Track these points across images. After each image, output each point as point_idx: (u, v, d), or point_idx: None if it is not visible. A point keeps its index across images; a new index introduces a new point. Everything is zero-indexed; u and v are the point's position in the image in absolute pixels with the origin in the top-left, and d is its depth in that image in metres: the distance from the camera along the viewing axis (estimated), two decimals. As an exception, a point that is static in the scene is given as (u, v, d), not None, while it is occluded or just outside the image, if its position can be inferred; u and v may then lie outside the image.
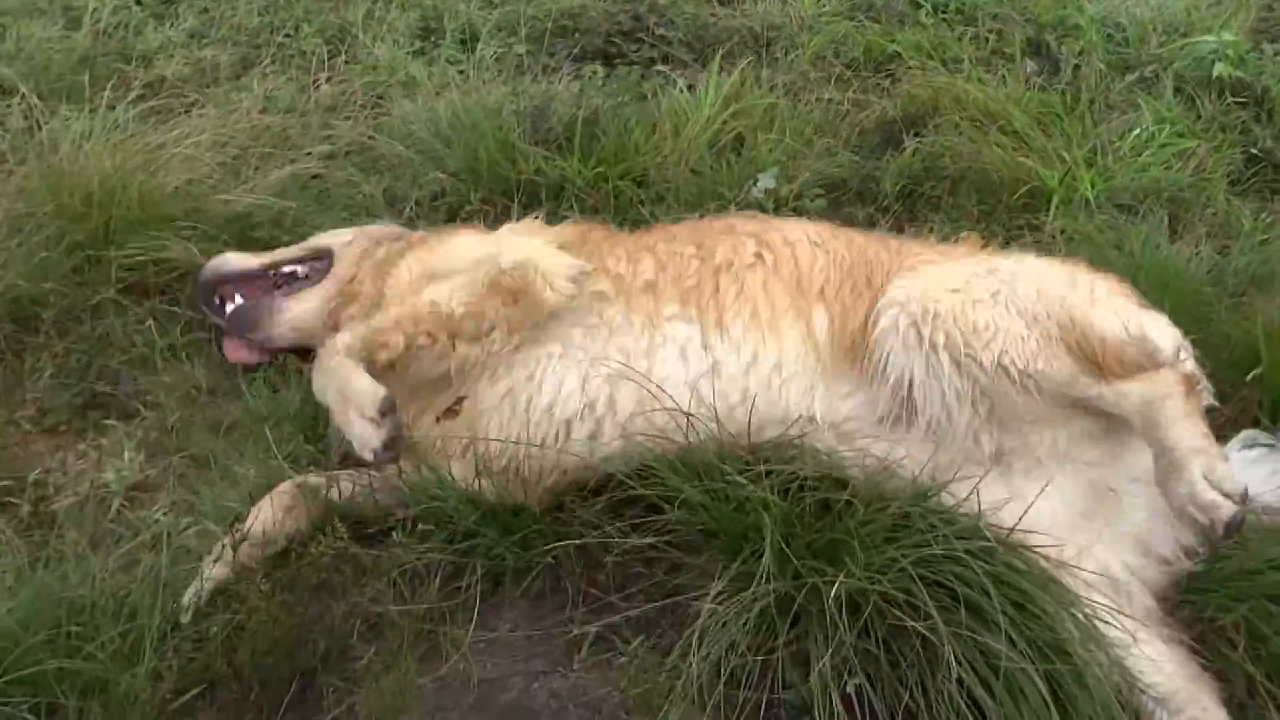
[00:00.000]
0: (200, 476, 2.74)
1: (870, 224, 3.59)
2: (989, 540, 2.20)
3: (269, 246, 3.31)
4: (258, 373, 3.03)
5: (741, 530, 2.31)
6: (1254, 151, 3.97)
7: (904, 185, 3.79)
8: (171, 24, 4.84)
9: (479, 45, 4.61)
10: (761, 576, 2.20)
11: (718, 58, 4.34)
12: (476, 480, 2.53)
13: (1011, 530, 2.25)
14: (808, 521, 2.29)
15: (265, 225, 3.41)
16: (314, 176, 3.74)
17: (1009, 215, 3.64)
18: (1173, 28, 4.64)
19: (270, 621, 2.30)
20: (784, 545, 2.24)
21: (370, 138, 4.01)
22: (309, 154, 3.80)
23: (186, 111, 4.05)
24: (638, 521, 2.44)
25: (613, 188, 3.69)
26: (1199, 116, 4.13)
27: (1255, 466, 2.55)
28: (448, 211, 3.66)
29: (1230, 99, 4.20)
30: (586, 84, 4.31)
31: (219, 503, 2.59)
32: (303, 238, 3.31)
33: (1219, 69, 4.24)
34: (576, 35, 4.75)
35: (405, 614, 2.37)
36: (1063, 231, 3.51)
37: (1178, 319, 2.61)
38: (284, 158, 3.75)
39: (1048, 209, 3.63)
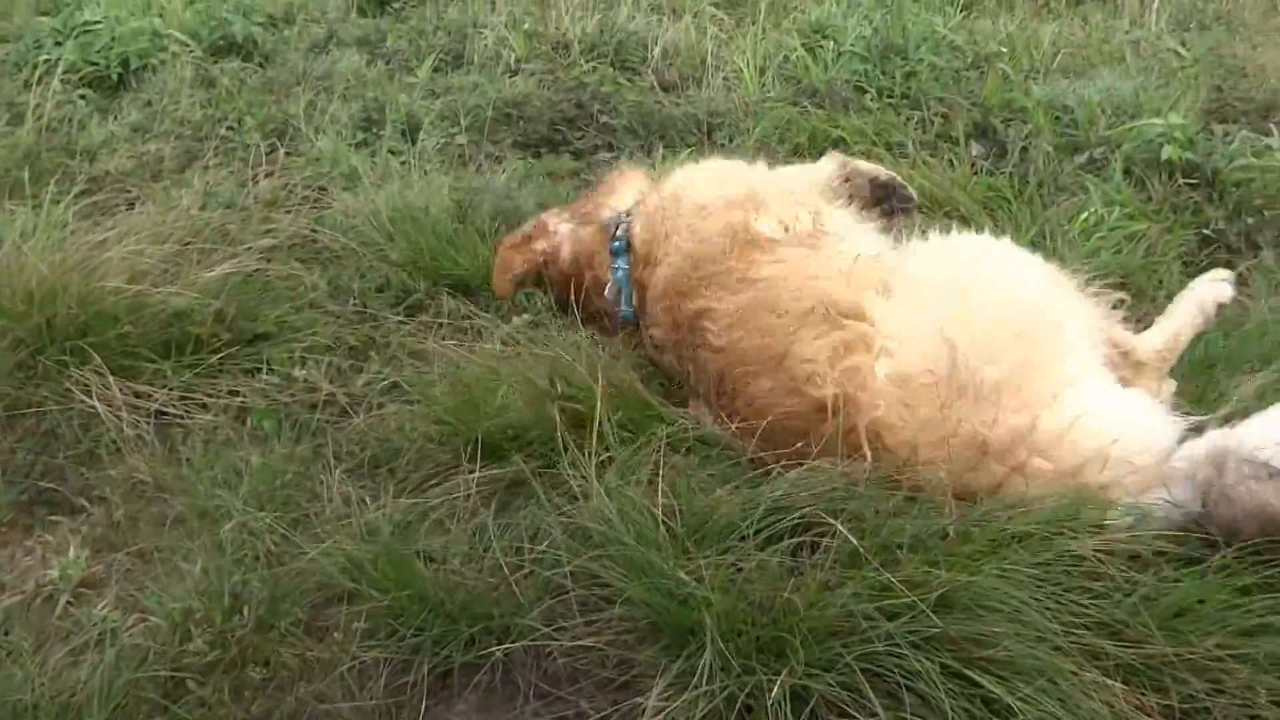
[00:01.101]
0: (147, 572, 2.90)
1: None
2: (938, 626, 2.34)
3: (210, 343, 3.51)
4: (202, 468, 3.18)
5: (685, 627, 2.48)
6: (1206, 232, 4.12)
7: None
8: (115, 118, 5.11)
9: (420, 135, 4.87)
10: (704, 674, 2.36)
11: (661, 145, 4.64)
12: None
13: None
14: (752, 618, 2.44)
15: (207, 322, 3.57)
16: (255, 270, 3.91)
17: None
18: (1121, 109, 4.84)
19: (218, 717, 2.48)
20: (726, 642, 2.40)
21: (312, 230, 4.21)
22: (249, 248, 3.99)
23: (130, 206, 4.28)
24: (590, 619, 2.62)
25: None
26: (1150, 198, 4.29)
27: None
28: (393, 301, 3.87)
29: (1181, 180, 4.35)
30: (512, 175, 4.59)
31: (164, 599, 2.73)
32: (244, 332, 3.54)
33: (1168, 151, 4.40)
34: (521, 123, 5.05)
35: (354, 710, 2.53)
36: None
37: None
38: (225, 253, 3.94)
39: (996, 294, 3.81)
